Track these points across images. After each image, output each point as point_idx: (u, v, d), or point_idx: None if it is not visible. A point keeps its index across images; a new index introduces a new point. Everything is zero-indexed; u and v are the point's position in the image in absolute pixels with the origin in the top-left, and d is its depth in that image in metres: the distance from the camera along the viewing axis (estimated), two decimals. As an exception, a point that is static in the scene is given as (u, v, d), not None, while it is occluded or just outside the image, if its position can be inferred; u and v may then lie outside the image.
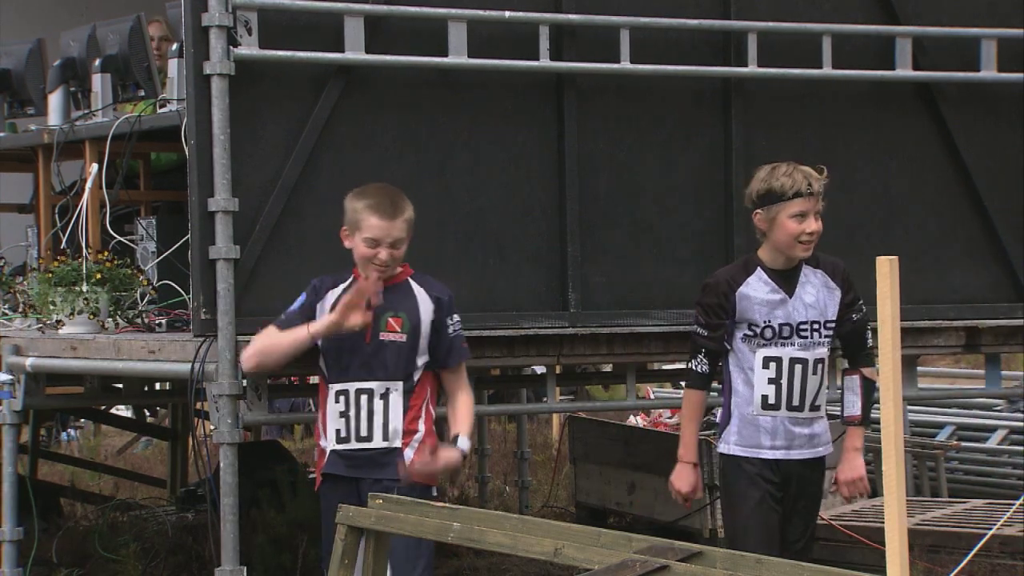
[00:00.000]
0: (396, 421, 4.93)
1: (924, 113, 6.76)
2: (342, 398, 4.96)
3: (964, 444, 10.43)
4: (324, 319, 4.95)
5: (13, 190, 8.28)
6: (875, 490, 9.28)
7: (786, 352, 5.29)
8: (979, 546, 5.85)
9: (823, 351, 5.32)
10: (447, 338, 5.01)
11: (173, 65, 6.46)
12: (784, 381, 5.28)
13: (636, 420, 11.21)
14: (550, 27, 6.07)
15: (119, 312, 6.33)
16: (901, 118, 6.73)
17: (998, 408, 10.82)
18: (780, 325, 5.28)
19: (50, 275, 6.29)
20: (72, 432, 14.04)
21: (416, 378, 4.99)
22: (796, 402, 5.30)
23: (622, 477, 9.39)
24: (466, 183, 6.03)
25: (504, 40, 6.05)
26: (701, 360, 5.41)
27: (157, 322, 6.28)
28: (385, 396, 4.93)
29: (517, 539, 3.83)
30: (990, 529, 6.83)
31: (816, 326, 5.29)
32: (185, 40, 5.63)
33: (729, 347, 5.38)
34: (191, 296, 5.71)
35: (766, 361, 5.30)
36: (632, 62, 6.18)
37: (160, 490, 10.05)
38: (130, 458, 12.97)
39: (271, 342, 5.04)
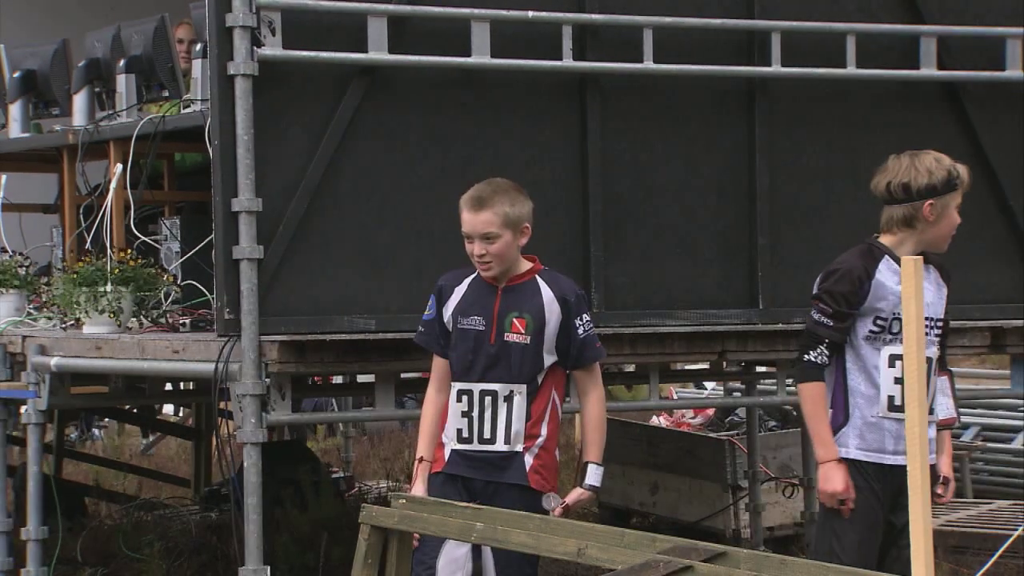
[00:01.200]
0: (519, 424, 4.85)
1: (949, 113, 6.74)
2: (465, 397, 4.87)
3: (989, 445, 10.39)
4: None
5: (38, 190, 8.32)
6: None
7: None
8: (1005, 547, 5.81)
9: (935, 351, 4.97)
10: (577, 339, 4.88)
11: (197, 66, 6.48)
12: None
13: (659, 420, 11.20)
14: (573, 27, 6.07)
15: (143, 312, 6.35)
16: (926, 118, 6.70)
17: (1023, 409, 10.76)
18: (892, 319, 4.91)
19: (75, 275, 6.32)
20: (96, 431, 14.09)
21: (540, 380, 4.88)
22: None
23: (645, 477, 9.38)
24: (489, 183, 6.02)
25: (527, 40, 6.04)
26: (821, 352, 4.93)
27: (181, 322, 6.30)
28: (509, 399, 4.84)
29: (540, 539, 3.84)
30: (1016, 530, 6.80)
31: (930, 324, 4.94)
32: (209, 41, 5.64)
33: (849, 343, 4.96)
34: (215, 296, 5.72)
35: (892, 359, 4.90)
36: (655, 62, 6.17)
37: (184, 489, 10.08)
38: (154, 457, 13.01)
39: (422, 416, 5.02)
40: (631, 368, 8.46)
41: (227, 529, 7.08)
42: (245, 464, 5.55)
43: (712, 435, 9.48)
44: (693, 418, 11.18)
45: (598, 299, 6.15)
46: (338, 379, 8.82)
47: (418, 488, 4.87)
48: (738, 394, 10.33)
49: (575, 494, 4.90)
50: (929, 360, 4.87)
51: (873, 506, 4.91)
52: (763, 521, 8.66)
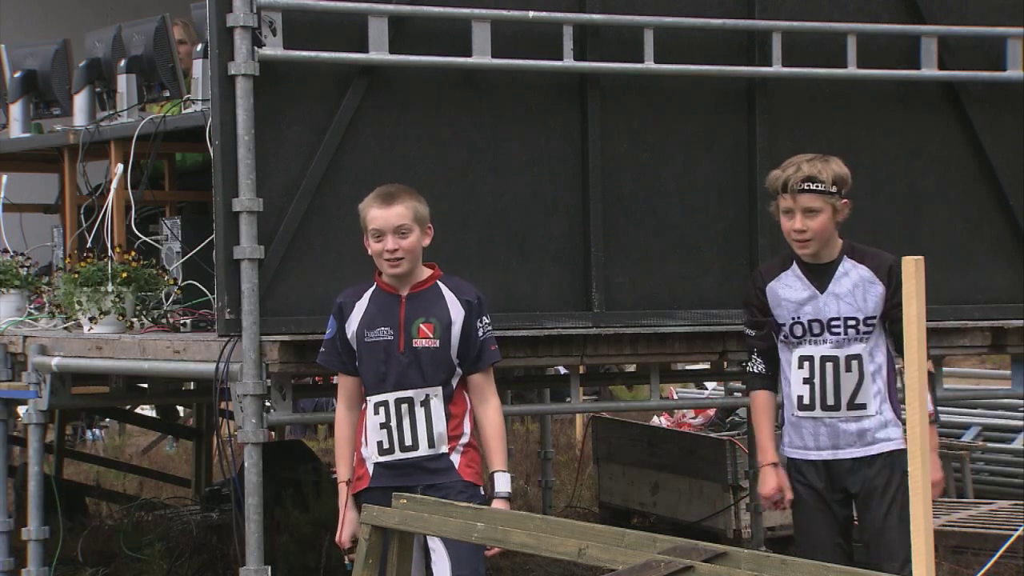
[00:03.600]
0: (440, 426, 4.87)
1: (950, 113, 6.74)
2: (382, 409, 4.89)
3: (990, 445, 10.39)
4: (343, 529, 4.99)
5: (39, 190, 8.32)
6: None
7: (819, 350, 5.09)
8: (1005, 547, 5.82)
9: (860, 347, 5.07)
10: (476, 340, 4.92)
11: (197, 66, 6.48)
12: (817, 380, 5.08)
13: (660, 420, 11.21)
14: (574, 27, 6.07)
15: (144, 312, 6.36)
16: (926, 118, 6.70)
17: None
18: (810, 322, 5.10)
19: (76, 275, 6.32)
20: (97, 432, 14.10)
21: (455, 384, 4.93)
22: (831, 401, 5.08)
23: (646, 477, 9.38)
24: (489, 183, 6.03)
25: (528, 40, 6.04)
26: (755, 360, 5.27)
27: (182, 322, 6.30)
28: (426, 403, 4.87)
29: (541, 539, 3.84)
30: (1016, 530, 6.80)
31: (852, 322, 5.08)
32: (210, 41, 5.64)
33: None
34: (215, 296, 5.72)
35: (800, 360, 5.12)
36: (656, 62, 6.17)
37: (185, 490, 10.08)
38: (155, 457, 13.01)
39: (336, 439, 5.10)
40: (632, 368, 8.47)
41: (228, 529, 7.08)
42: (246, 464, 5.56)
43: (713, 435, 9.48)
44: (694, 418, 11.18)
45: (599, 299, 6.15)
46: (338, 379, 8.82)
47: (349, 516, 4.92)
48: (739, 394, 10.32)
49: (493, 506, 4.80)
50: (840, 358, 5.07)
51: (807, 499, 5.15)
52: (764, 521, 8.66)
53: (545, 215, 6.15)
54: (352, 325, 4.95)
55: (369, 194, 5.04)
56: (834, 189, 5.07)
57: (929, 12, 6.63)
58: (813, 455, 5.14)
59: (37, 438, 6.47)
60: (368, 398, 4.93)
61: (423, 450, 4.85)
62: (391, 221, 4.85)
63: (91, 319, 6.28)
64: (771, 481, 5.18)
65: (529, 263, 6.09)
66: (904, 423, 4.99)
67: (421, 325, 4.88)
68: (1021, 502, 9.06)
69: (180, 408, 13.18)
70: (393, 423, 4.85)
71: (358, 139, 5.81)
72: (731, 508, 8.79)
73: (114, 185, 6.49)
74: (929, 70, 6.60)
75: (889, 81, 6.61)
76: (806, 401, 5.12)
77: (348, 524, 4.95)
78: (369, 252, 5.03)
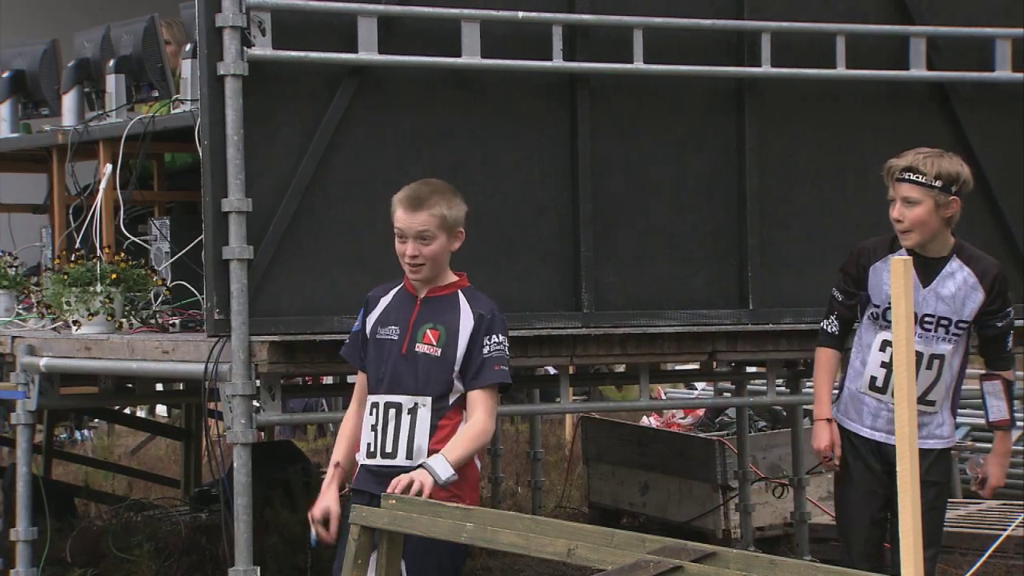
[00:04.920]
0: (422, 439, 4.64)
1: (938, 113, 6.75)
2: (375, 410, 4.72)
3: (979, 445, 10.40)
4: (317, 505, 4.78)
5: (27, 190, 8.31)
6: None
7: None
8: (994, 547, 5.84)
9: (946, 347, 5.14)
10: (479, 357, 4.64)
11: (185, 66, 6.47)
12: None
13: (649, 420, 11.21)
14: (563, 27, 6.07)
15: (133, 312, 6.35)
16: (915, 118, 6.71)
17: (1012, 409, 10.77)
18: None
19: (64, 276, 6.31)
20: (86, 432, 14.07)
21: (452, 399, 4.67)
22: None
23: (635, 477, 9.39)
24: (479, 183, 6.03)
25: (517, 40, 6.05)
26: (832, 321, 5.30)
27: (171, 322, 6.30)
28: (413, 411, 4.66)
29: (530, 539, 3.83)
30: (1005, 530, 6.81)
31: (945, 322, 5.13)
32: (199, 41, 5.64)
33: (859, 320, 5.26)
34: (204, 296, 5.72)
35: (884, 344, 5.14)
36: (645, 62, 6.17)
37: (174, 490, 10.07)
38: (144, 458, 13.00)
39: (340, 429, 4.95)
40: (621, 368, 8.48)
41: (217, 530, 7.07)
42: (235, 464, 5.55)
43: (702, 435, 9.48)
44: (683, 418, 11.18)
45: (588, 299, 6.15)
46: (328, 379, 8.82)
47: (329, 491, 4.73)
48: (728, 394, 10.34)
49: (407, 477, 4.52)
50: (924, 355, 5.10)
51: (854, 472, 5.24)
52: (753, 521, 8.67)
53: (535, 215, 6.15)
54: (371, 320, 4.80)
55: (403, 187, 4.81)
56: (937, 184, 5.06)
57: (918, 13, 6.65)
58: (867, 433, 5.21)
59: (25, 438, 6.46)
60: (368, 396, 4.80)
61: (400, 459, 4.64)
62: (414, 227, 4.66)
63: (74, 322, 6.27)
64: (824, 437, 5.23)
65: (519, 263, 6.09)
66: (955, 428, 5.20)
67: (428, 330, 4.69)
68: (1010, 502, 9.08)
69: (164, 408, 13.20)
70: (379, 426, 4.70)
71: (348, 139, 5.81)
72: (720, 508, 8.80)
73: (103, 185, 6.48)
74: (918, 71, 6.61)
75: (878, 82, 6.62)
76: (879, 384, 5.18)
77: (323, 498, 4.76)
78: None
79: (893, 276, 3.73)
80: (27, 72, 7.25)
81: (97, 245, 6.46)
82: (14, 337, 6.50)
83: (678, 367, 8.68)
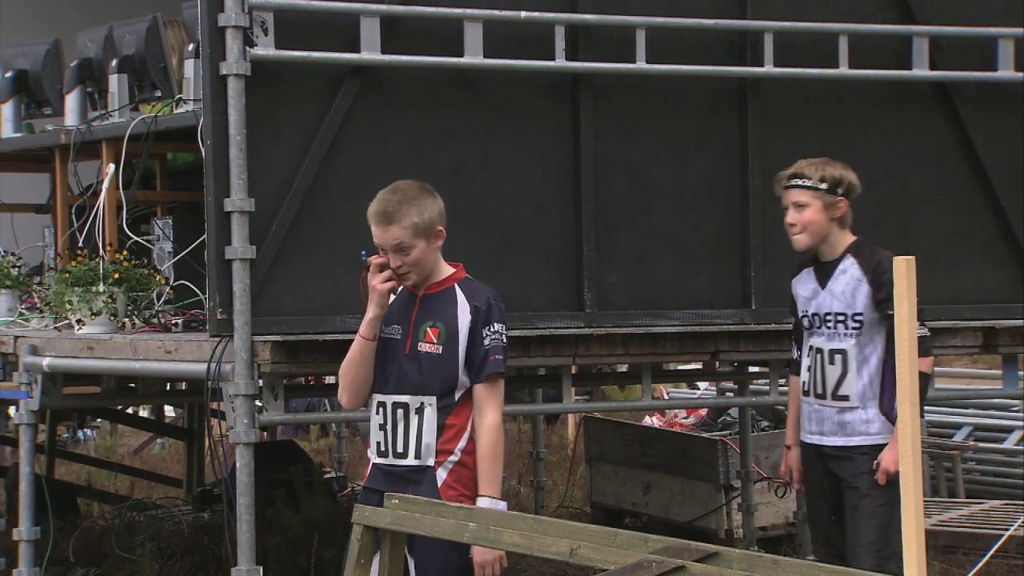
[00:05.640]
0: (430, 437, 4.66)
1: (941, 113, 6.75)
2: (382, 410, 4.74)
3: (981, 445, 10.41)
4: (368, 312, 4.71)
5: (30, 190, 8.31)
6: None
7: (816, 342, 5.47)
8: (996, 547, 5.84)
9: (847, 342, 5.38)
10: (480, 348, 4.65)
11: (189, 66, 6.47)
12: (815, 369, 5.45)
13: (652, 420, 11.21)
14: (566, 27, 6.07)
15: (136, 312, 6.35)
16: (918, 118, 6.71)
17: (1015, 408, 10.79)
18: (812, 315, 5.47)
19: (67, 275, 6.31)
20: (88, 432, 14.08)
21: (458, 396, 4.68)
22: (819, 390, 5.45)
23: (638, 477, 9.39)
24: (481, 183, 6.03)
25: (520, 40, 6.04)
26: (793, 347, 5.69)
27: (173, 322, 6.30)
28: (420, 411, 4.67)
29: (533, 539, 3.83)
30: (1007, 530, 6.81)
31: (841, 318, 5.39)
32: (201, 41, 5.64)
33: None
34: (207, 296, 5.72)
35: (809, 350, 5.51)
36: (648, 62, 6.17)
37: (176, 490, 10.07)
38: (146, 458, 13.00)
39: (343, 366, 4.82)
40: (624, 368, 8.47)
41: (219, 529, 7.07)
42: (237, 464, 5.55)
43: (705, 435, 9.49)
44: (686, 418, 11.18)
45: (591, 299, 6.15)
46: (331, 379, 8.81)
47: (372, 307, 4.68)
48: (731, 394, 10.34)
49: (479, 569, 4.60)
50: (824, 350, 5.41)
51: (810, 479, 5.57)
52: (755, 521, 8.67)
53: (537, 215, 6.15)
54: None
55: (375, 197, 4.77)
56: (823, 186, 5.40)
57: (921, 12, 6.64)
58: (808, 438, 5.53)
59: (28, 438, 6.46)
60: (373, 394, 4.80)
61: (410, 459, 4.68)
62: (388, 242, 4.68)
63: (78, 321, 6.27)
64: (783, 462, 5.71)
65: (521, 263, 6.09)
66: (895, 425, 5.24)
67: (428, 329, 4.70)
68: (1012, 502, 9.08)
69: (170, 408, 13.19)
70: (389, 426, 4.72)
71: (350, 139, 5.81)
72: (723, 508, 8.80)
73: (105, 185, 6.48)
74: (921, 70, 6.61)
75: (881, 81, 6.61)
76: (806, 388, 5.51)
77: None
78: None
79: (896, 276, 3.73)
80: (30, 72, 7.26)
81: (100, 245, 6.46)
82: (17, 337, 6.51)
83: (680, 367, 8.67)
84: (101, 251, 6.44)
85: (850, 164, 6.13)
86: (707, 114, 6.41)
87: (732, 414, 10.39)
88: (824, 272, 5.46)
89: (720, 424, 10.53)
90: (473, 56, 5.90)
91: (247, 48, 5.56)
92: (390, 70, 5.87)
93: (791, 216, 5.43)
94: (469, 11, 5.90)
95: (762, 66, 6.36)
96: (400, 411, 4.71)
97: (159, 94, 6.76)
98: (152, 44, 6.70)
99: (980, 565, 5.69)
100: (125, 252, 6.40)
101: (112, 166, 6.52)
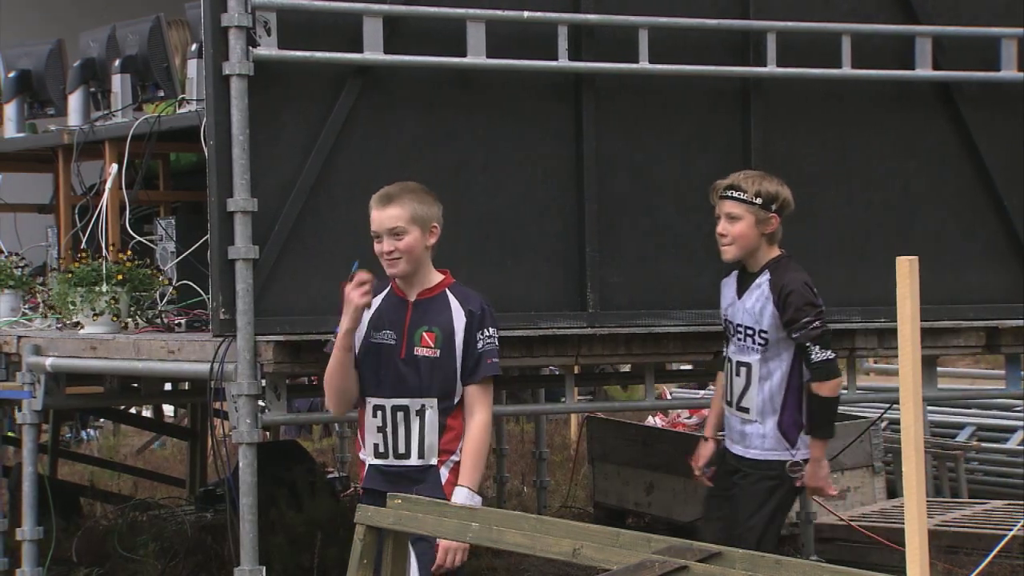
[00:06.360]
0: (432, 437, 4.79)
1: (943, 113, 6.74)
2: (379, 413, 4.84)
3: (984, 445, 10.40)
4: (341, 325, 4.85)
5: (33, 190, 8.31)
6: (896, 491, 9.25)
7: (728, 351, 5.60)
8: (999, 547, 5.83)
9: (753, 356, 5.44)
10: (475, 352, 4.80)
11: (192, 65, 6.47)
12: (727, 376, 5.58)
13: (654, 420, 11.20)
14: (568, 27, 6.07)
15: (139, 312, 6.35)
16: (920, 118, 6.71)
17: (1018, 409, 10.78)
18: (727, 322, 5.59)
19: (70, 275, 6.32)
20: (91, 432, 14.09)
21: (457, 399, 4.82)
22: (728, 397, 5.57)
23: (640, 477, 9.38)
24: (483, 183, 6.03)
25: (522, 40, 6.05)
26: (724, 344, 5.70)
27: (176, 322, 6.30)
28: (421, 413, 4.80)
29: (536, 539, 3.83)
30: (1010, 530, 6.81)
31: (750, 332, 5.47)
32: (204, 41, 5.64)
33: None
34: (210, 296, 5.72)
35: (728, 357, 5.60)
36: (651, 62, 6.17)
37: (179, 490, 10.08)
38: (149, 458, 13.01)
39: (326, 375, 4.93)
40: (626, 368, 8.47)
41: (222, 529, 7.07)
42: (240, 464, 5.55)
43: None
44: (688, 418, 11.17)
45: (593, 299, 6.15)
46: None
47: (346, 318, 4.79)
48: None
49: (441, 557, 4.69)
50: (733, 361, 5.50)
51: (717, 475, 5.68)
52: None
53: (539, 215, 6.15)
54: (364, 321, 4.88)
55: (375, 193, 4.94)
56: (758, 201, 5.45)
57: (923, 12, 6.64)
58: (725, 441, 5.65)
59: (31, 438, 6.47)
60: (368, 398, 4.89)
61: (413, 459, 4.80)
62: (385, 223, 4.80)
63: (77, 323, 6.28)
64: (695, 452, 5.80)
65: (523, 263, 6.09)
66: (791, 444, 5.40)
67: (424, 333, 4.81)
68: (1015, 502, 9.07)
69: (171, 408, 13.20)
70: (389, 428, 4.82)
71: (352, 139, 5.81)
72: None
73: (108, 185, 6.49)
74: (923, 70, 6.60)
75: (883, 81, 6.61)
76: (722, 392, 5.65)
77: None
78: None
79: (899, 277, 3.73)
80: (33, 72, 7.26)
81: (103, 245, 6.47)
82: (20, 337, 6.51)
83: (683, 367, 8.66)
84: (104, 251, 6.45)
85: (853, 163, 6.16)
86: (710, 114, 6.41)
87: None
88: (743, 283, 5.53)
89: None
90: (475, 56, 5.91)
91: (250, 48, 5.57)
92: (392, 70, 5.88)
93: (723, 227, 5.49)
94: (471, 11, 5.90)
95: (765, 66, 6.36)
96: (400, 413, 4.81)
97: (162, 94, 6.76)
98: (155, 44, 6.71)
99: (983, 566, 5.69)
100: (128, 252, 6.40)
101: (115, 166, 6.53)
